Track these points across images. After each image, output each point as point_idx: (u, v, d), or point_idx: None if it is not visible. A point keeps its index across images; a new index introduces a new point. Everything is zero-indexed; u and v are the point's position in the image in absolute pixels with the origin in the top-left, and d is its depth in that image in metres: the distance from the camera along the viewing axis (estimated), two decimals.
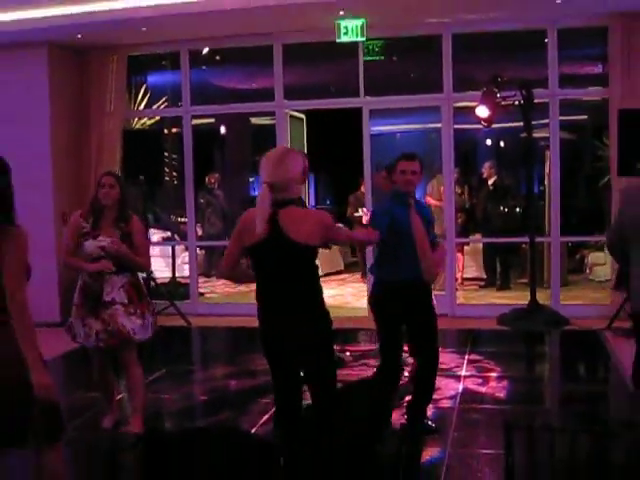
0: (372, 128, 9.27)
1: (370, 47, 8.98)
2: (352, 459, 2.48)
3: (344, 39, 8.47)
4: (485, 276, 10.84)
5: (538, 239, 8.86)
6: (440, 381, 6.27)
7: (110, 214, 5.01)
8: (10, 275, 3.15)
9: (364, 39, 8.55)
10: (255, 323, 3.85)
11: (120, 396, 5.75)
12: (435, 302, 5.04)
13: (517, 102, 8.15)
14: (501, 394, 6.04)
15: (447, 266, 9.23)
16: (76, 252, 4.96)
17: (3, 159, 3.35)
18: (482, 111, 8.05)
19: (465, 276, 10.87)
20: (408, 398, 5.07)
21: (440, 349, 7.30)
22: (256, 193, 10.02)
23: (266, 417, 5.26)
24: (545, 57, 8.57)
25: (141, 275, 9.00)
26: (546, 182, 10.22)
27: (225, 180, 13.57)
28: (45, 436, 3.29)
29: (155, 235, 11.76)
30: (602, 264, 10.44)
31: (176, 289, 10.29)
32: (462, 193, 10.95)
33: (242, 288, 11.20)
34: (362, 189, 10.66)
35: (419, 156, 4.83)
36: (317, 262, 3.88)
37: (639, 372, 4.62)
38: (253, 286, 3.91)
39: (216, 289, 11.42)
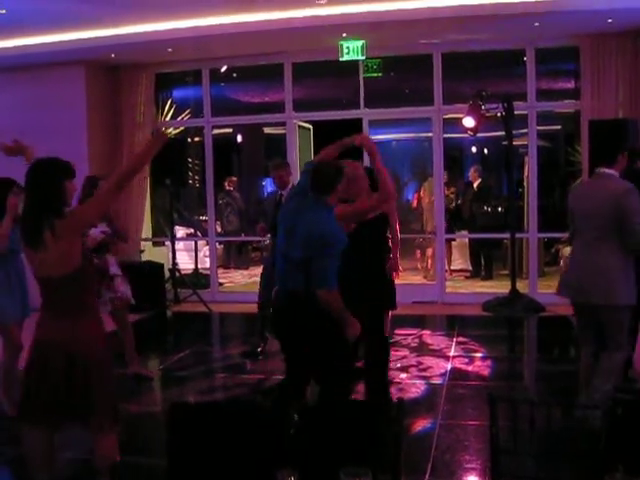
0: (371, 137, 9.22)
1: (369, 65, 8.93)
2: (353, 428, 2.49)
3: (346, 58, 8.45)
4: (471, 268, 10.81)
5: (518, 235, 8.83)
6: (431, 361, 6.31)
7: None
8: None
9: (364, 58, 8.53)
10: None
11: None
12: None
13: (499, 114, 8.11)
14: (485, 372, 6.03)
15: (437, 259, 9.25)
16: None
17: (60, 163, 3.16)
18: (468, 122, 8.01)
19: (453, 268, 10.83)
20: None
21: (431, 332, 7.41)
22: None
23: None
24: (524, 74, 8.54)
25: (167, 267, 9.09)
26: (525, 184, 10.16)
27: (241, 183, 13.55)
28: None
29: (180, 231, 11.75)
30: None
31: (198, 279, 10.28)
32: (451, 194, 10.91)
33: (256, 278, 11.24)
34: None
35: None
36: None
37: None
38: None
39: (234, 279, 11.42)
